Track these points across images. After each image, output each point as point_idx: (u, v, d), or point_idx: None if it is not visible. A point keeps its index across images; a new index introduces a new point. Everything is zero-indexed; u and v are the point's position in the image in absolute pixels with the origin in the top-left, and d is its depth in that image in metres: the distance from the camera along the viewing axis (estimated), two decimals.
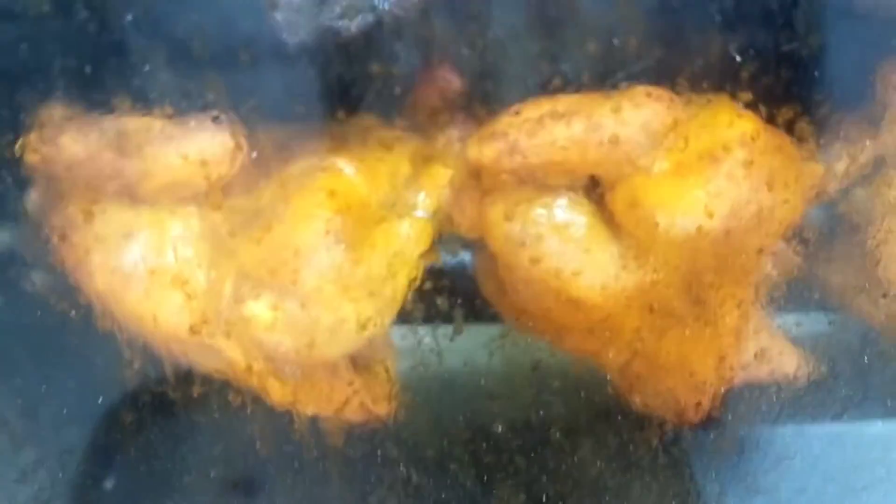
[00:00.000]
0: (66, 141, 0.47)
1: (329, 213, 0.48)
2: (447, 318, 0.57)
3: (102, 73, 0.45)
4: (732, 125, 0.47)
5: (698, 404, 0.57)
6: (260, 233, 0.48)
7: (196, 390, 0.57)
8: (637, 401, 0.59)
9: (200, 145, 0.46)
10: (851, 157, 0.53)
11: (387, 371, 0.58)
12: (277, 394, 0.55)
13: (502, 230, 0.50)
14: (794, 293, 0.55)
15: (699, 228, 0.46)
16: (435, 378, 0.59)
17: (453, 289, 0.56)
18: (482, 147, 0.47)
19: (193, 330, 0.52)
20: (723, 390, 0.58)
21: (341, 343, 0.50)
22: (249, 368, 0.53)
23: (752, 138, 0.47)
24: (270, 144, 0.50)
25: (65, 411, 0.60)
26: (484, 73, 0.52)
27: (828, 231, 0.56)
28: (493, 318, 0.58)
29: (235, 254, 0.50)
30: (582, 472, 0.67)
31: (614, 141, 0.46)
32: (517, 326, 0.57)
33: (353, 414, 0.57)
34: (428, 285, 0.53)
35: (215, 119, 0.44)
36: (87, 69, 0.45)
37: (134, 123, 0.47)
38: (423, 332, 0.57)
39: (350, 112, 0.52)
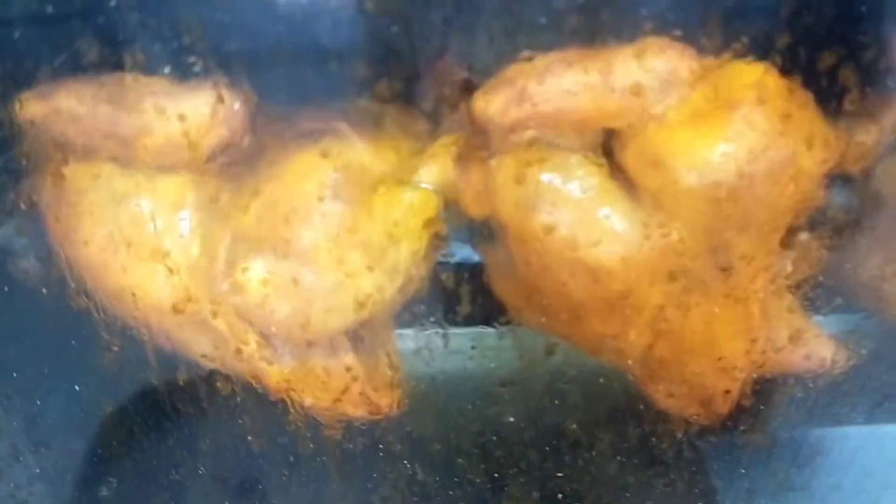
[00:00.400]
0: (63, 96, 0.46)
1: (326, 170, 0.46)
2: (454, 300, 0.54)
3: (66, 12, 0.42)
4: (752, 76, 0.45)
5: (727, 392, 0.54)
6: (253, 194, 0.47)
7: (181, 378, 0.55)
8: (660, 390, 0.56)
9: (178, 99, 0.43)
10: (879, 127, 0.50)
11: (389, 357, 0.54)
12: (271, 380, 0.53)
13: (512, 194, 0.46)
14: (824, 290, 0.53)
15: (719, 175, 0.43)
16: (441, 363, 0.55)
17: (460, 268, 0.53)
18: (489, 96, 0.45)
19: (177, 308, 0.50)
20: (754, 377, 0.54)
21: (338, 314, 0.48)
22: (239, 351, 0.51)
23: (773, 88, 0.44)
24: (267, 114, 0.48)
25: (38, 403, 0.57)
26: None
27: (857, 209, 0.53)
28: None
29: (228, 220, 0.48)
30: (600, 467, 0.65)
31: (635, 91, 0.44)
32: (528, 318, 0.54)
33: (352, 404, 0.54)
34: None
35: (191, 66, 0.40)
36: (49, 9, 0.41)
37: (132, 81, 0.46)
38: (427, 313, 0.54)
39: (351, 86, 0.50)
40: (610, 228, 0.45)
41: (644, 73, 0.43)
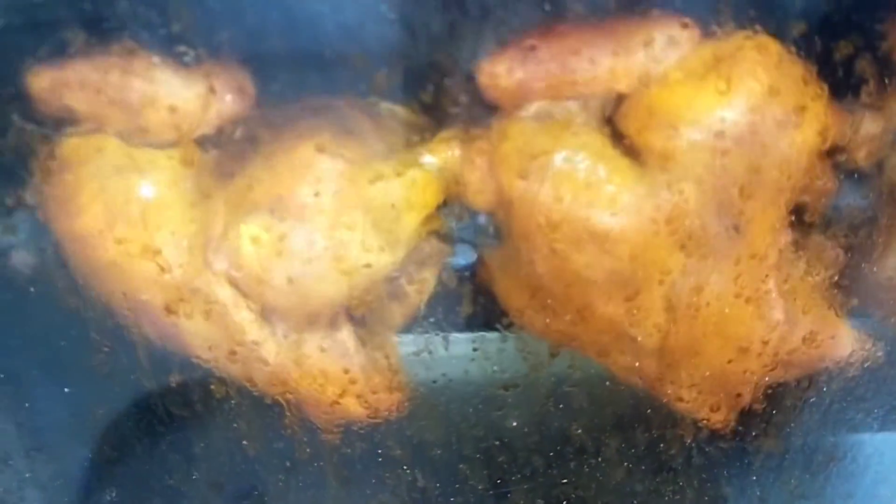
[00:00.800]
0: (74, 63, 0.46)
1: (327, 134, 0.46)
2: (455, 301, 0.53)
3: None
4: (753, 41, 0.45)
5: (738, 396, 0.53)
6: (251, 161, 0.46)
7: (175, 382, 0.53)
8: (669, 394, 0.54)
9: (167, 90, 0.42)
10: (886, 118, 0.50)
11: (388, 358, 0.53)
12: (265, 381, 0.52)
13: (519, 171, 0.46)
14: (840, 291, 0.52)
15: (722, 125, 0.44)
16: (442, 366, 0.54)
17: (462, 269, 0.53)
18: (495, 60, 0.45)
19: (170, 309, 0.49)
20: (766, 380, 0.53)
21: (336, 280, 0.47)
22: (234, 353, 0.50)
23: (775, 52, 0.45)
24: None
25: (27, 406, 0.55)
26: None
27: (872, 207, 0.52)
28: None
29: (225, 189, 0.47)
30: (607, 474, 0.64)
31: (638, 51, 0.44)
32: (531, 321, 0.52)
33: (351, 407, 0.53)
34: None
35: (183, 56, 0.39)
36: None
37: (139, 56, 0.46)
38: (428, 314, 0.53)
39: (351, 82, 0.48)
40: (617, 196, 0.45)
41: (648, 37, 0.44)
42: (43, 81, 0.46)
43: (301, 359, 0.51)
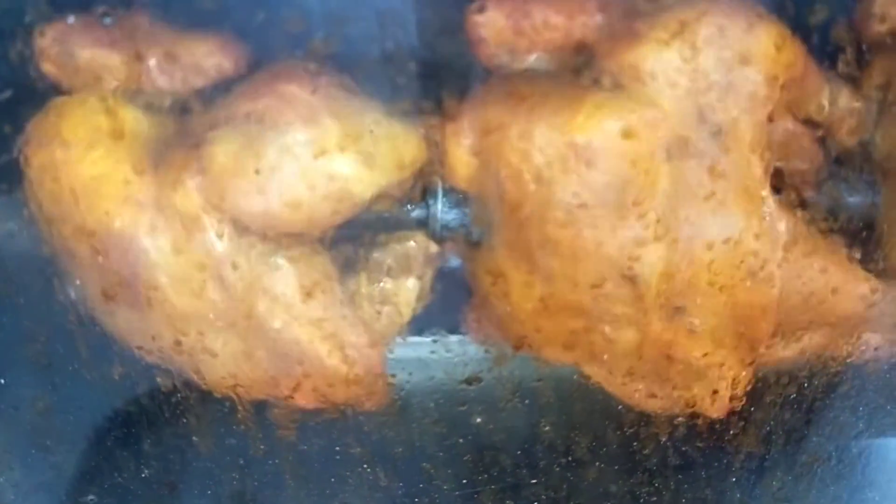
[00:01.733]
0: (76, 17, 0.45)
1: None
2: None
3: None
4: None
5: (715, 393, 0.51)
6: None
7: (117, 374, 0.51)
8: (641, 389, 0.52)
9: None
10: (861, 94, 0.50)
11: (341, 350, 0.50)
12: (214, 374, 0.50)
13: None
14: None
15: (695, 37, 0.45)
16: (401, 358, 0.51)
17: None
18: (480, 9, 0.47)
19: (107, 294, 0.47)
20: (744, 375, 0.51)
21: (310, 195, 0.45)
22: (179, 343, 0.48)
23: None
24: None
25: None
26: None
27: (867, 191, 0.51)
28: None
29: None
30: (579, 474, 0.62)
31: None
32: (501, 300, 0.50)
33: (305, 400, 0.51)
34: None
35: (103, 17, 0.37)
36: None
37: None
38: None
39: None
40: (596, 110, 0.45)
41: None
42: (46, 35, 0.45)
43: (251, 350, 0.49)
